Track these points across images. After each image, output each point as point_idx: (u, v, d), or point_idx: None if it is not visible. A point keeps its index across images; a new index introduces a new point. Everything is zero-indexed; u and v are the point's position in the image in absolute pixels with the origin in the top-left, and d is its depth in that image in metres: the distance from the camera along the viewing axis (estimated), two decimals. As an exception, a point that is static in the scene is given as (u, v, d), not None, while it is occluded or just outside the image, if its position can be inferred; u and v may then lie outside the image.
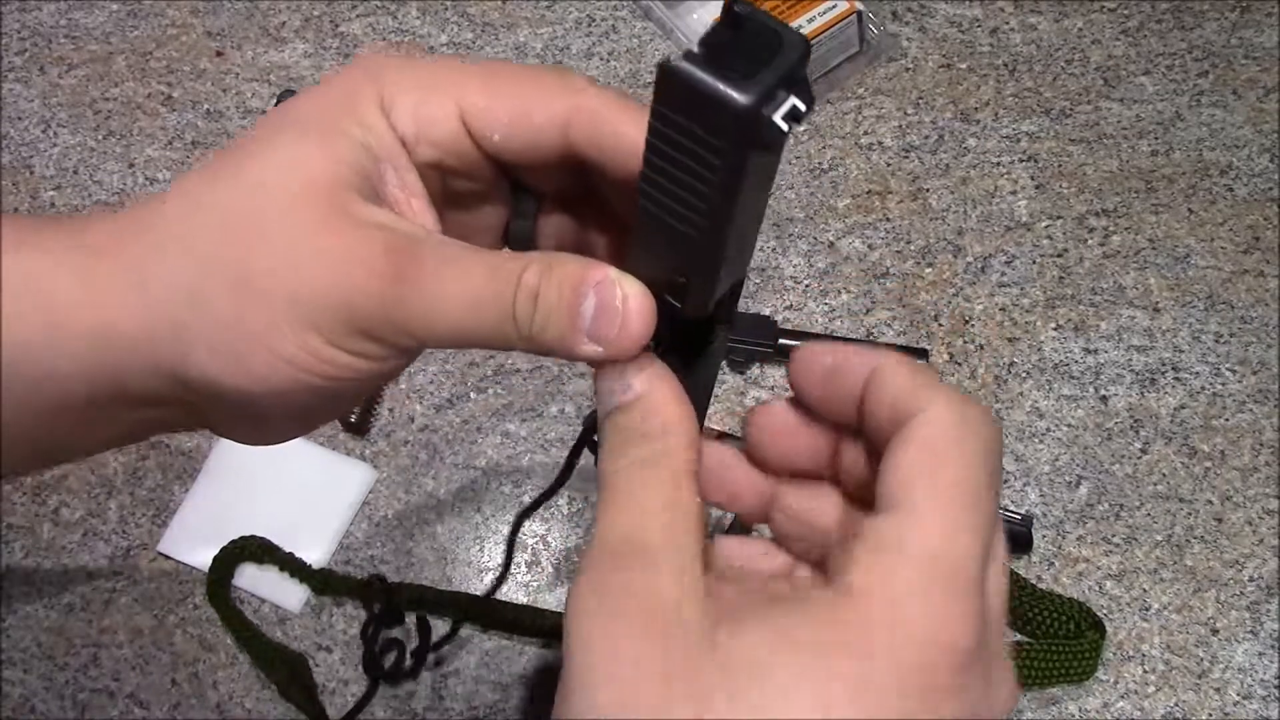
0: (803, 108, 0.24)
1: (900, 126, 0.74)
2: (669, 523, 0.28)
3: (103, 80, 0.76)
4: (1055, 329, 0.68)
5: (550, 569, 0.62)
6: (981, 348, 0.67)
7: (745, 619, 0.26)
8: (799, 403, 0.32)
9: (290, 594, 0.61)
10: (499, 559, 0.62)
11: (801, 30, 0.72)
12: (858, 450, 0.31)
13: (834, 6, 0.73)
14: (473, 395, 0.66)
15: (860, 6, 0.74)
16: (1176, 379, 0.67)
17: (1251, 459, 0.64)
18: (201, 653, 0.60)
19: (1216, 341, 0.67)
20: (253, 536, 0.61)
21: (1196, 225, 0.71)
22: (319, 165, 0.30)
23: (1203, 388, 0.66)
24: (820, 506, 0.33)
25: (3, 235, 0.30)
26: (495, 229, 0.36)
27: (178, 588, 0.62)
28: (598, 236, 0.36)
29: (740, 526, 0.59)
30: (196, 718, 0.59)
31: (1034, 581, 0.61)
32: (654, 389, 0.30)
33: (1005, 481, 0.64)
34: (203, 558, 0.61)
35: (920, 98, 0.75)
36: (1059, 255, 0.70)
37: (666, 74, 0.24)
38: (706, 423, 0.39)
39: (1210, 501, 0.64)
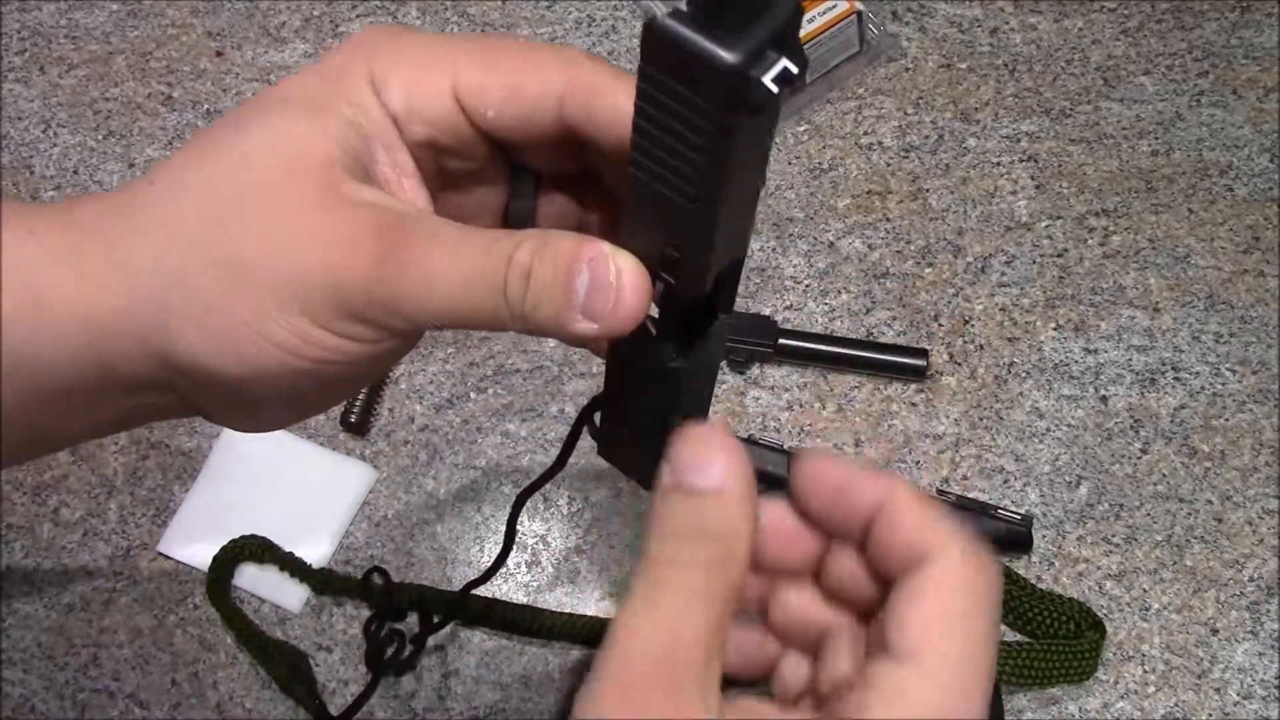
0: (794, 70, 0.24)
1: (900, 126, 0.74)
2: (709, 649, 0.27)
3: (103, 80, 0.76)
4: (1055, 329, 0.68)
5: (550, 569, 0.62)
6: (981, 348, 0.67)
7: None
8: (796, 505, 0.31)
9: (290, 594, 0.61)
10: (499, 559, 0.62)
11: (801, 30, 0.72)
12: (850, 558, 0.30)
13: (834, 6, 0.73)
14: (473, 395, 0.66)
15: (860, 6, 0.73)
16: (1176, 379, 0.67)
17: (1251, 459, 0.64)
18: (201, 653, 0.60)
19: (1216, 341, 0.67)
20: (253, 536, 0.61)
21: (1196, 225, 0.71)
22: (306, 143, 0.29)
23: (1203, 388, 0.66)
24: (806, 602, 0.32)
25: None
26: (493, 211, 0.35)
27: (178, 588, 0.62)
28: (599, 218, 0.35)
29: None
30: (196, 718, 0.59)
31: (1034, 581, 0.61)
32: (735, 487, 0.29)
33: (1005, 481, 0.64)
34: (203, 558, 0.61)
35: (920, 98, 0.75)
36: (1059, 255, 0.70)
37: (652, 32, 0.24)
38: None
39: (1210, 501, 0.64)
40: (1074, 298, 0.69)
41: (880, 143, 0.73)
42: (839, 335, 0.67)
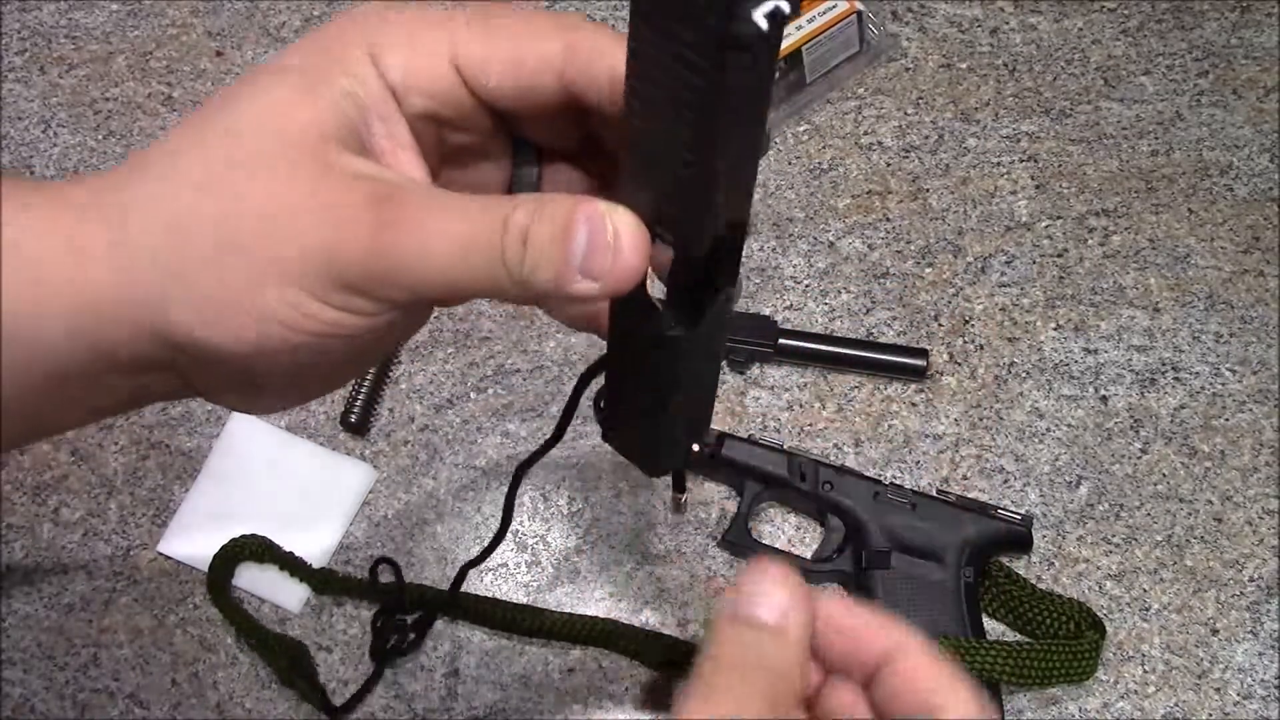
0: (786, 9, 0.23)
1: (900, 126, 0.74)
2: None
3: (103, 80, 0.76)
4: (1055, 329, 0.68)
5: (550, 569, 0.62)
6: (981, 348, 0.67)
7: None
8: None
9: (290, 594, 0.61)
10: (500, 559, 0.62)
11: (801, 30, 0.72)
12: (852, 693, 0.31)
13: (834, 6, 0.73)
14: (473, 395, 0.66)
15: (860, 6, 0.73)
16: (1176, 379, 0.67)
17: (1251, 459, 0.64)
18: (201, 653, 0.60)
19: (1216, 341, 0.67)
20: (253, 536, 0.61)
21: (1196, 225, 0.71)
22: (299, 115, 0.29)
23: (1203, 388, 0.66)
24: None
25: None
26: (496, 189, 0.35)
27: (178, 588, 0.62)
28: (604, 195, 0.35)
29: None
30: (196, 718, 0.59)
31: (1034, 581, 0.61)
32: (799, 624, 0.29)
33: (1005, 481, 0.64)
34: (203, 558, 0.61)
35: (920, 98, 0.75)
36: (1059, 255, 0.70)
37: None
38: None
39: (1210, 501, 0.64)
40: (1074, 298, 0.69)
41: (880, 143, 0.73)
42: (839, 335, 0.67)
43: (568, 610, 0.61)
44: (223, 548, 0.61)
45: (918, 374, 0.66)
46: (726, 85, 0.24)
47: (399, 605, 0.60)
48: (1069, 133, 0.74)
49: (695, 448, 0.38)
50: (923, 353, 0.66)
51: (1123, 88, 0.75)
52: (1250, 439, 0.65)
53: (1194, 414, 0.66)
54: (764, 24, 0.23)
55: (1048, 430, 0.65)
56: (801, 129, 0.74)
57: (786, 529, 0.63)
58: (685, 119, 0.25)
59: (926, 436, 0.65)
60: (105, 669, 0.60)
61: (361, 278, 0.29)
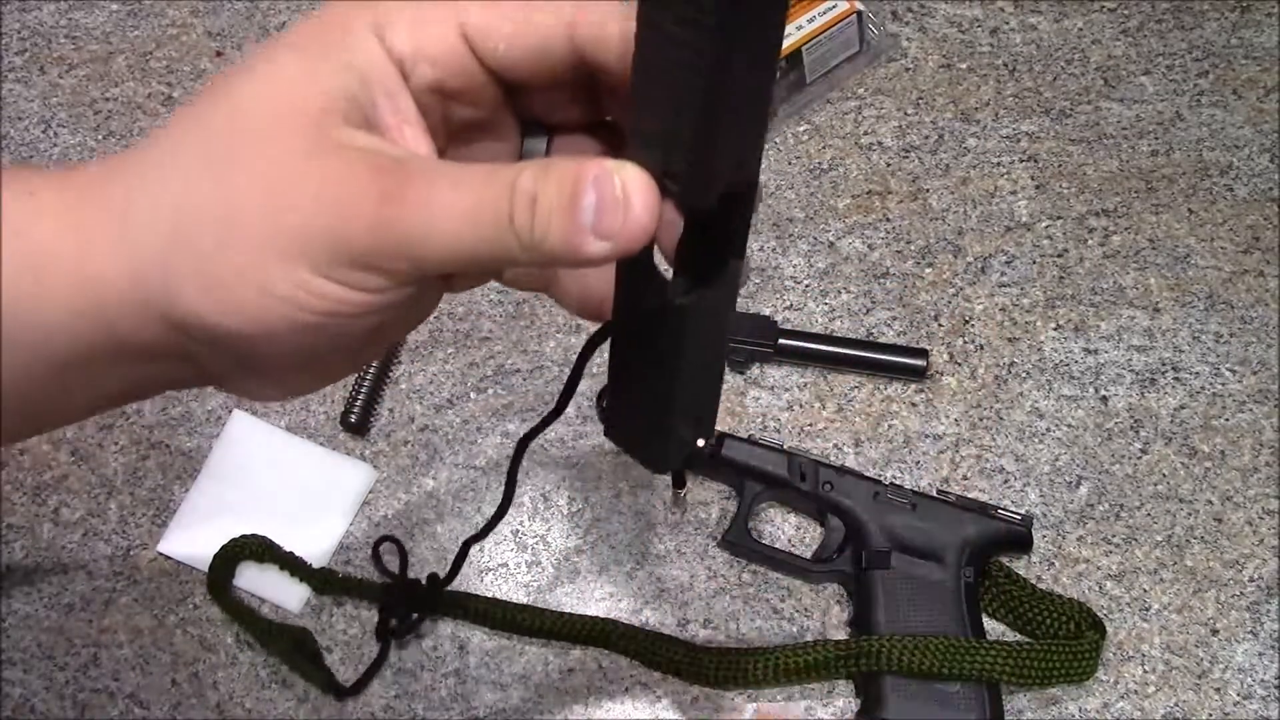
0: None
1: (900, 126, 0.74)
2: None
3: (103, 80, 0.76)
4: (1055, 329, 0.68)
5: (550, 569, 0.62)
6: (981, 348, 0.67)
7: None
8: None
9: (290, 594, 0.61)
10: (500, 559, 0.62)
11: (801, 30, 0.72)
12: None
13: (834, 6, 0.73)
14: (473, 395, 0.66)
15: (860, 6, 0.73)
16: (1176, 379, 0.67)
17: (1251, 459, 0.64)
18: (201, 653, 0.60)
19: (1216, 341, 0.67)
20: (253, 535, 0.61)
21: (1196, 225, 0.71)
22: (301, 91, 0.29)
23: (1203, 388, 0.66)
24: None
25: None
26: None
27: (178, 588, 0.62)
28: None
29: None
30: (196, 718, 0.59)
31: (1034, 581, 0.61)
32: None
33: (1005, 481, 0.64)
34: (203, 558, 0.61)
35: (920, 98, 0.75)
36: (1059, 255, 0.70)
37: None
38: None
39: (1210, 501, 0.64)
40: (1074, 298, 0.69)
41: (880, 143, 0.74)
42: (839, 335, 0.67)
43: (568, 610, 0.61)
44: (223, 548, 0.61)
45: (918, 374, 0.66)
46: (731, 21, 0.24)
47: (404, 588, 0.60)
48: (1069, 133, 0.74)
49: (700, 443, 0.37)
50: (923, 353, 0.66)
51: (1123, 88, 0.75)
52: (1250, 439, 0.65)
53: (1194, 414, 0.66)
54: None
55: (1048, 430, 0.65)
56: (801, 129, 0.74)
57: (786, 529, 0.63)
58: (691, 55, 0.25)
59: (926, 436, 0.65)
60: (105, 669, 0.60)
61: (367, 252, 0.28)
